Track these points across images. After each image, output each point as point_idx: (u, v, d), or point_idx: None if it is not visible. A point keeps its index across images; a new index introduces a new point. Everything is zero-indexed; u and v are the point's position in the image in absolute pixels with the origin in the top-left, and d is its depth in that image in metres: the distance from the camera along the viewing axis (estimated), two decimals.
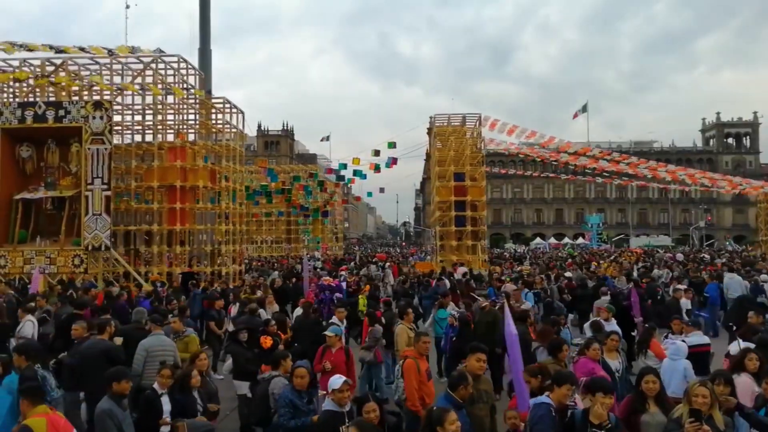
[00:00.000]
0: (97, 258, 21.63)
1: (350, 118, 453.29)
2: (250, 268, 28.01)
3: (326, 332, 8.33)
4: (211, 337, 12.52)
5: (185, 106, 23.05)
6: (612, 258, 35.32)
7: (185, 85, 22.50)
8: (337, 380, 5.54)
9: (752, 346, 7.21)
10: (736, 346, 7.68)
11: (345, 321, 10.59)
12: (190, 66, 23.05)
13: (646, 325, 9.77)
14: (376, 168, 31.39)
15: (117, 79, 22.60)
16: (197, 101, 23.59)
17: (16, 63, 21.98)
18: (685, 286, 15.44)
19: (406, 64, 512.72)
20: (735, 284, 16.07)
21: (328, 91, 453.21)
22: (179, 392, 6.38)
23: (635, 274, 21.65)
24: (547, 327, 8.92)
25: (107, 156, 20.89)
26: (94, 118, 20.86)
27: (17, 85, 22.65)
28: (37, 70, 22.16)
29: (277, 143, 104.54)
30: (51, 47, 20.15)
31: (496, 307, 11.17)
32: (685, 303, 12.34)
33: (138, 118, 23.95)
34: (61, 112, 21.01)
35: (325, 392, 7.49)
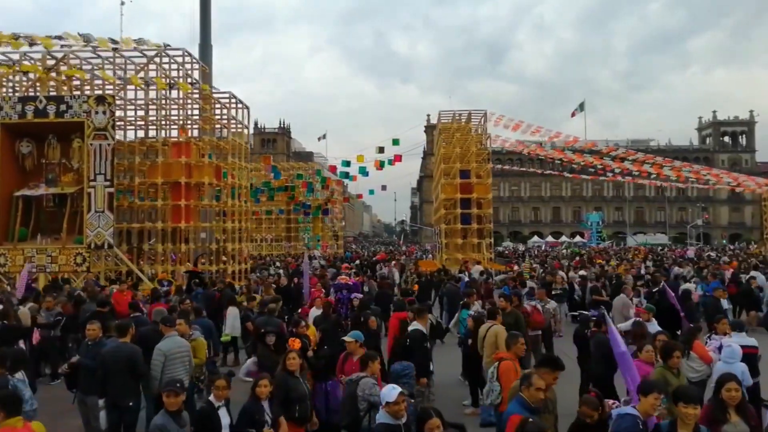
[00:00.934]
0: (99, 256, 21.16)
1: (346, 117, 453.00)
2: (257, 267, 27.48)
3: (345, 338, 7.87)
4: (249, 338, 11.96)
5: (190, 101, 22.54)
6: (619, 256, 34.92)
7: (190, 80, 22.00)
8: (391, 392, 5.10)
9: None
10: None
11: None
12: (194, 60, 22.56)
13: (690, 326, 9.37)
14: (381, 165, 31.09)
15: (119, 74, 22.08)
16: (201, 96, 23.08)
17: (16, 57, 21.43)
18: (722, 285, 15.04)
19: (401, 63, 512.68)
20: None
21: (324, 89, 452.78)
22: (249, 402, 5.91)
23: (642, 270, 21.36)
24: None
25: (110, 152, 20.40)
26: (96, 112, 20.36)
27: (17, 78, 22.10)
28: (38, 64, 21.61)
29: (273, 141, 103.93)
30: (55, 37, 19.60)
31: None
32: (725, 302, 11.94)
33: (141, 113, 23.44)
34: (63, 107, 20.47)
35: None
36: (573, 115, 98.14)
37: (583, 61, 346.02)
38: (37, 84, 21.98)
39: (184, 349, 7.79)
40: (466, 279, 17.95)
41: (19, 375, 6.55)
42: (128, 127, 23.60)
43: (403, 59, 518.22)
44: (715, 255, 35.72)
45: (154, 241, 22.38)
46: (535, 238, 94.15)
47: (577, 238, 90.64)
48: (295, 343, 8.56)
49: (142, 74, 21.86)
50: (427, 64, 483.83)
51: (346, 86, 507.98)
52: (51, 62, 21.93)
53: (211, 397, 5.89)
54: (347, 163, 31.73)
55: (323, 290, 16.84)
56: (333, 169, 32.07)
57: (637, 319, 9.42)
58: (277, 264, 29.96)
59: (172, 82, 21.51)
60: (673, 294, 10.46)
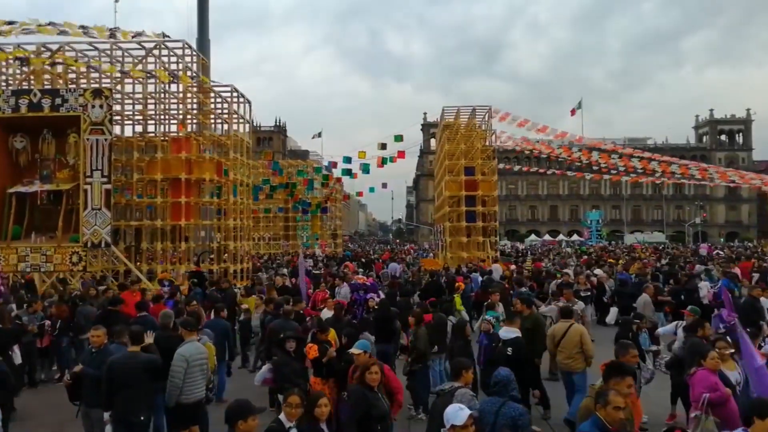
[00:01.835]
0: (96, 255, 20.46)
1: (341, 115, 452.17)
2: (266, 266, 26.62)
3: (352, 350, 6.93)
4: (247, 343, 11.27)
5: (190, 95, 21.81)
6: (630, 255, 34.34)
7: (190, 73, 21.27)
8: (459, 414, 4.41)
9: None
10: None
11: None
12: (194, 52, 21.84)
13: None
14: (384, 161, 30.46)
15: (117, 66, 21.33)
16: (201, 90, 22.34)
17: (9, 49, 20.65)
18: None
19: (396, 62, 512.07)
20: None
21: (319, 88, 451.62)
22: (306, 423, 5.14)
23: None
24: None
25: (107, 147, 19.74)
26: (93, 106, 19.67)
27: (11, 71, 21.32)
28: (32, 56, 20.84)
29: (269, 139, 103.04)
30: (52, 24, 18.85)
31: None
32: (766, 302, 11.32)
33: (139, 107, 22.70)
34: (58, 101, 19.77)
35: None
36: (573, 113, 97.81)
37: (577, 60, 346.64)
38: (32, 77, 21.21)
39: (204, 355, 7.18)
40: (479, 279, 17.29)
41: None
42: (126, 122, 22.86)
43: (397, 58, 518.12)
44: (729, 253, 34.85)
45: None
46: (533, 236, 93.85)
47: (575, 237, 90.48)
48: (312, 350, 7.90)
49: (140, 67, 21.12)
50: (421, 63, 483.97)
51: (340, 85, 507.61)
52: (46, 55, 21.16)
53: (282, 416, 5.12)
54: (348, 160, 31.09)
55: (328, 291, 16.18)
56: (334, 165, 31.29)
57: (688, 321, 8.64)
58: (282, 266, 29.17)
59: (172, 74, 20.78)
60: (728, 294, 9.70)
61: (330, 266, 25.83)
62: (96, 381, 6.63)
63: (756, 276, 19.08)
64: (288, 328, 8.86)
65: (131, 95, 22.58)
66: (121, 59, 21.23)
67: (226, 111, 23.18)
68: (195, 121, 22.90)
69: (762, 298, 11.51)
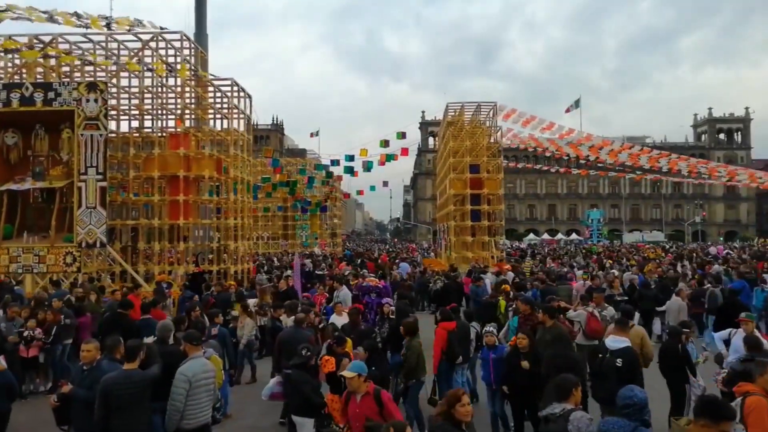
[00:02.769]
0: (91, 256, 19.67)
1: (337, 114, 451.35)
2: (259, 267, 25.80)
3: (344, 373, 5.99)
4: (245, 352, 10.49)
5: (188, 89, 21.00)
6: (642, 255, 33.61)
7: (189, 66, 20.45)
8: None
9: None
10: None
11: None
12: (193, 44, 21.03)
13: None
14: (388, 158, 29.80)
15: (112, 59, 20.53)
16: (199, 83, 21.53)
17: (0, 40, 19.81)
18: None
19: (393, 61, 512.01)
20: None
21: (316, 86, 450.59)
22: None
23: (679, 269, 20.07)
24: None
25: (102, 143, 18.95)
26: (87, 100, 18.88)
27: (1, 64, 20.48)
28: (24, 48, 20.01)
29: (267, 138, 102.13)
30: (45, 13, 18.04)
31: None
32: None
33: (135, 102, 21.88)
34: (51, 94, 18.96)
35: None
36: (567, 111, 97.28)
37: (573, 59, 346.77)
38: (23, 70, 20.39)
39: (210, 373, 6.35)
40: (488, 285, 16.50)
41: None
42: (122, 117, 22.03)
43: (394, 57, 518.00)
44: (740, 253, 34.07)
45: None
46: (531, 235, 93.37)
47: (573, 236, 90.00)
48: (328, 364, 7.15)
49: (136, 60, 20.30)
50: (418, 62, 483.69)
51: (337, 84, 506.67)
52: (39, 47, 20.32)
53: None
54: (351, 158, 30.41)
55: (326, 294, 15.40)
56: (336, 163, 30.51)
57: (750, 333, 7.74)
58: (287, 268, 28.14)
59: (170, 67, 19.97)
60: None
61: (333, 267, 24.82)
62: (87, 403, 5.83)
63: None
64: (300, 338, 8.10)
65: (127, 89, 21.75)
66: (117, 51, 20.41)
67: (225, 106, 22.36)
68: (193, 116, 22.07)
69: None
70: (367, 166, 30.27)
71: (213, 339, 8.46)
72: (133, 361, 5.96)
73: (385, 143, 30.54)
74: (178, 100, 21.34)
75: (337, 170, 31.81)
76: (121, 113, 21.99)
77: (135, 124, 22.27)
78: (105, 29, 19.50)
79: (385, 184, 39.86)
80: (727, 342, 8.21)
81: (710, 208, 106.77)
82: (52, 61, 20.56)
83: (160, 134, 21.09)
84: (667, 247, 49.46)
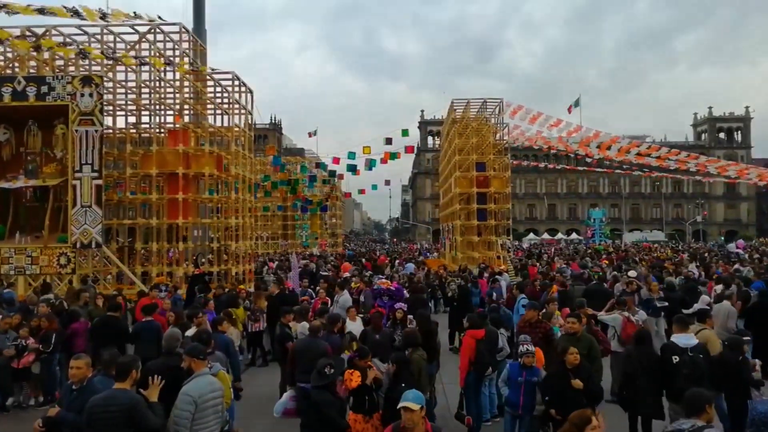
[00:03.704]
0: (86, 257, 18.90)
1: (335, 114, 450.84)
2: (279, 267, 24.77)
3: (406, 404, 4.74)
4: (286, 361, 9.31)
5: (187, 83, 20.19)
6: (645, 253, 32.92)
7: (187, 59, 19.67)
8: None
9: None
10: None
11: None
12: (192, 37, 20.25)
13: None
14: (392, 156, 29.07)
15: (108, 52, 19.71)
16: (199, 77, 20.74)
17: None
18: None
19: (391, 61, 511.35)
20: None
21: (313, 86, 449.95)
22: None
23: (695, 272, 19.37)
24: None
25: (98, 139, 18.20)
26: (82, 95, 18.12)
27: None
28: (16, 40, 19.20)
29: (265, 137, 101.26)
30: (37, 10, 17.25)
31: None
32: None
33: (132, 96, 21.10)
34: (44, 89, 18.18)
35: None
36: (569, 110, 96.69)
37: (571, 59, 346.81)
38: (16, 63, 19.59)
39: (218, 392, 5.55)
40: (503, 286, 15.76)
41: None
42: (118, 112, 21.24)
43: (392, 57, 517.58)
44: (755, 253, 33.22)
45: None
46: (531, 235, 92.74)
47: (573, 235, 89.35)
48: (353, 378, 6.37)
49: (133, 53, 19.53)
50: (416, 61, 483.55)
51: (335, 84, 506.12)
52: (32, 39, 19.52)
53: None
54: (353, 155, 29.66)
55: (327, 299, 14.52)
56: (336, 161, 29.75)
57: None
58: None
59: (167, 60, 19.18)
60: None
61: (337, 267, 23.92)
62: (74, 428, 5.05)
63: None
64: (316, 349, 7.32)
65: (123, 83, 20.96)
66: (113, 44, 19.64)
67: (226, 101, 21.56)
68: (192, 111, 21.28)
69: None
70: (371, 164, 29.53)
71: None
72: (124, 381, 5.13)
73: (388, 141, 29.84)
74: (177, 95, 20.53)
75: (338, 169, 30.96)
76: (118, 108, 21.23)
77: (132, 119, 21.59)
78: (100, 21, 18.68)
79: (387, 182, 39.17)
80: None
81: (710, 208, 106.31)
82: (46, 55, 19.78)
83: (158, 130, 20.30)
84: (681, 246, 48.63)
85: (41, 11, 17.72)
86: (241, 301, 13.08)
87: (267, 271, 24.04)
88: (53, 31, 19.40)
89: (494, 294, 14.89)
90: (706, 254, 32.11)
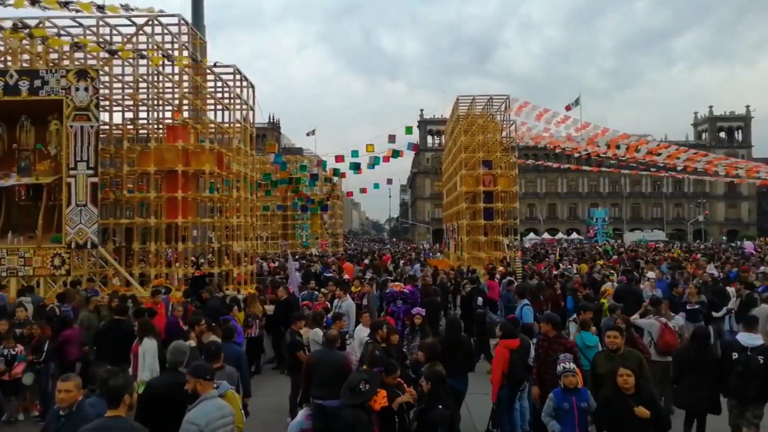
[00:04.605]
0: (81, 257, 18.16)
1: (334, 113, 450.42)
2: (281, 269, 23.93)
3: None
4: (297, 371, 8.38)
5: (187, 77, 19.44)
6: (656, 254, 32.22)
7: (187, 52, 18.89)
8: None
9: None
10: None
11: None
12: (192, 29, 19.50)
13: None
14: (395, 154, 28.44)
15: (104, 45, 18.96)
16: (199, 71, 19.97)
17: None
18: None
19: (389, 60, 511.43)
20: None
21: (312, 86, 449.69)
22: None
23: (715, 273, 18.71)
24: None
25: (93, 135, 17.48)
26: (77, 89, 17.39)
27: None
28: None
29: (263, 136, 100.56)
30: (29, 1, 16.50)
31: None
32: None
33: (129, 91, 20.35)
34: (38, 83, 17.45)
35: None
36: (568, 109, 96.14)
37: (569, 59, 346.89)
38: (8, 56, 18.83)
39: (229, 419, 4.81)
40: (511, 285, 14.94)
41: None
42: (114, 107, 20.45)
43: (390, 57, 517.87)
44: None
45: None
46: (531, 235, 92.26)
47: (574, 235, 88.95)
48: (380, 399, 5.63)
49: (130, 46, 18.78)
50: (414, 61, 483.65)
51: (333, 83, 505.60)
52: (24, 32, 18.76)
53: None
54: (356, 153, 29.00)
55: (327, 304, 13.77)
56: (340, 159, 29.06)
57: None
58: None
59: (166, 54, 18.42)
60: None
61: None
62: None
63: None
64: (333, 361, 6.59)
65: (120, 77, 20.20)
66: (109, 36, 18.89)
67: (227, 96, 20.78)
68: (192, 106, 20.53)
69: None
70: (374, 162, 28.92)
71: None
72: (117, 407, 4.37)
73: (391, 138, 29.21)
74: (176, 90, 19.78)
75: (341, 167, 30.26)
76: (114, 103, 20.43)
77: (129, 115, 20.72)
78: (96, 12, 17.94)
79: (389, 181, 38.52)
80: None
81: (711, 207, 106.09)
82: (39, 48, 19.03)
83: (156, 126, 19.54)
84: (695, 246, 47.88)
85: (33, 2, 17.02)
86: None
87: (268, 272, 23.32)
88: (47, 23, 18.66)
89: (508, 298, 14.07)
90: (722, 255, 31.44)
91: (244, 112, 20.71)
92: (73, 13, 18.15)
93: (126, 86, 20.38)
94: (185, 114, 19.86)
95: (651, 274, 16.21)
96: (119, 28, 18.99)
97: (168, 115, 19.58)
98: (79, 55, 19.39)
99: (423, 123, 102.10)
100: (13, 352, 8.98)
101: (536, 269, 23.43)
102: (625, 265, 23.90)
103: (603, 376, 5.97)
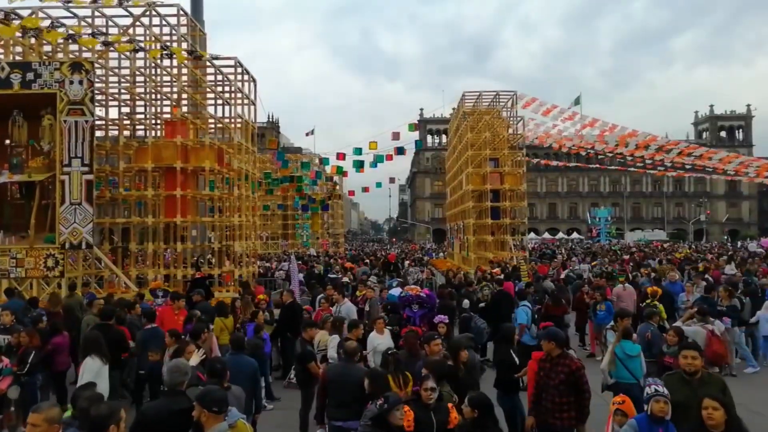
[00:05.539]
0: (76, 258, 17.44)
1: (332, 113, 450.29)
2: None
3: None
4: (309, 383, 7.79)
5: (186, 70, 18.72)
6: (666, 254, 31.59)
7: (185, 44, 18.17)
8: None
9: None
10: None
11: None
12: (191, 21, 18.79)
13: None
14: (399, 151, 27.77)
15: (99, 37, 18.24)
16: (198, 64, 19.27)
17: None
18: None
19: (388, 60, 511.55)
20: None
21: (310, 86, 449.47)
22: None
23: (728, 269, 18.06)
24: None
25: (88, 130, 16.79)
26: (71, 82, 16.69)
27: None
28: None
29: (262, 136, 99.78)
30: None
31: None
32: None
33: (126, 84, 19.64)
34: (30, 75, 16.73)
35: None
36: (569, 108, 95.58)
37: (568, 59, 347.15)
38: None
39: None
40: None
41: None
42: (110, 102, 19.74)
43: (389, 57, 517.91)
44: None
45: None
46: (531, 234, 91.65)
47: (574, 235, 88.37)
48: (409, 418, 4.87)
49: (126, 37, 18.05)
50: (413, 61, 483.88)
51: (332, 83, 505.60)
52: (16, 22, 18.02)
53: None
54: (359, 151, 28.31)
55: (331, 309, 13.01)
56: (342, 156, 28.37)
57: None
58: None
59: (164, 46, 17.69)
60: None
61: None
62: None
63: None
64: (353, 377, 5.84)
65: (116, 70, 19.48)
66: (105, 28, 18.17)
67: (228, 90, 20.05)
68: (191, 101, 19.81)
69: None
70: (377, 160, 28.27)
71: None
72: None
73: (396, 135, 28.56)
74: (174, 83, 19.05)
75: (343, 165, 29.61)
76: (110, 97, 19.74)
77: (125, 109, 20.02)
78: (91, 3, 17.25)
79: (392, 180, 37.87)
80: None
81: (712, 207, 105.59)
82: (32, 39, 18.28)
83: (154, 121, 18.82)
84: (705, 246, 47.18)
85: None
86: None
87: (271, 273, 22.60)
88: (40, 14, 17.92)
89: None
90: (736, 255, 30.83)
91: (246, 107, 20.00)
92: (68, 4, 17.51)
93: (122, 79, 19.67)
94: (184, 109, 19.17)
95: (673, 275, 15.38)
96: (115, 18, 18.29)
97: (166, 109, 18.92)
98: (73, 47, 18.69)
99: (423, 122, 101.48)
100: None
101: (539, 270, 22.49)
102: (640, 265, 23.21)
103: (676, 406, 5.02)
